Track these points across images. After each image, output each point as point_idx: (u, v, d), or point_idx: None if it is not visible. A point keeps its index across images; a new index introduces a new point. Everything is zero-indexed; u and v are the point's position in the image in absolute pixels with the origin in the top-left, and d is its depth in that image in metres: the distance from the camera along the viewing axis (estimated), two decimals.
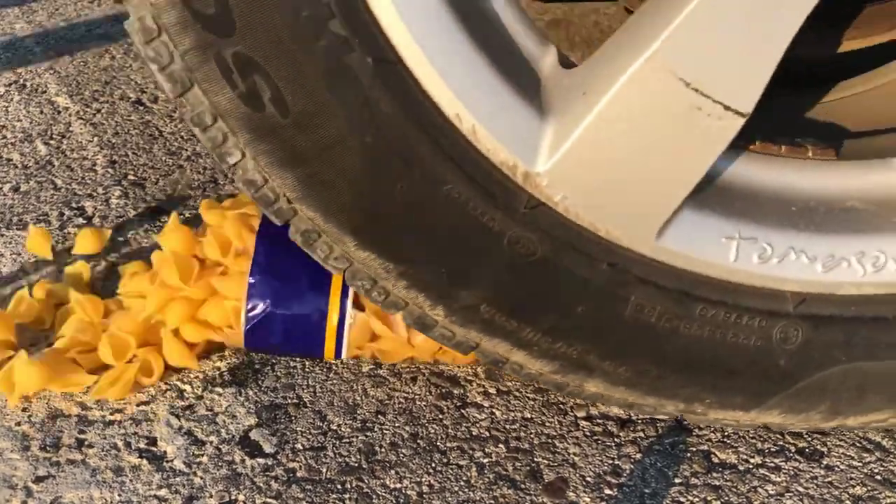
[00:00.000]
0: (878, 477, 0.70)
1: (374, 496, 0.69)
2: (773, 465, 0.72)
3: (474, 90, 0.61)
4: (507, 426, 0.76)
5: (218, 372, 0.82)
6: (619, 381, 0.70)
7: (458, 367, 0.81)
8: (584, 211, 0.64)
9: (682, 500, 0.68)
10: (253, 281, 0.77)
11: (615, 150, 0.61)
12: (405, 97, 0.60)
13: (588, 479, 0.70)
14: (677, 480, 0.70)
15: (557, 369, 0.70)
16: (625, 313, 0.67)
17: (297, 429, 0.76)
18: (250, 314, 0.77)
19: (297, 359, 0.83)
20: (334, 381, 0.81)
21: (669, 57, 0.58)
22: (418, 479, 0.71)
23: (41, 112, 1.42)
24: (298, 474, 0.71)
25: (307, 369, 0.82)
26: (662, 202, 0.63)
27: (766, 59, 0.59)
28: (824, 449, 0.73)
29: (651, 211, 0.64)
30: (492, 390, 0.80)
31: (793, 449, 0.73)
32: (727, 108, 0.60)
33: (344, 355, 0.79)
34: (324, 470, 0.72)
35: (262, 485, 0.70)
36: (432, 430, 0.76)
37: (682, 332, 0.68)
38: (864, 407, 0.70)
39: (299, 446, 0.74)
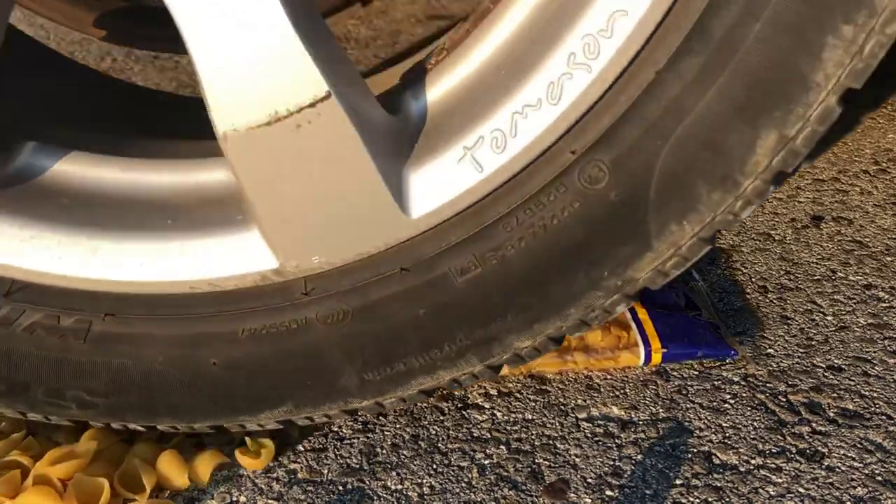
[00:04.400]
0: (879, 478, 0.70)
1: (375, 497, 0.69)
2: (774, 466, 0.72)
3: None
4: (509, 427, 0.76)
5: None
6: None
7: None
8: None
9: (682, 501, 0.68)
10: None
11: None
12: None
13: (589, 480, 0.70)
14: (678, 481, 0.70)
15: None
16: None
17: (299, 429, 0.76)
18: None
19: None
20: None
21: None
22: (419, 481, 0.71)
23: None
24: (299, 475, 0.71)
25: None
26: None
27: None
28: (825, 450, 0.73)
29: None
30: (493, 392, 0.80)
31: (794, 450, 0.73)
32: None
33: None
34: (325, 471, 0.72)
35: (263, 486, 0.70)
36: (433, 432, 0.76)
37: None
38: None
39: (300, 447, 0.74)
